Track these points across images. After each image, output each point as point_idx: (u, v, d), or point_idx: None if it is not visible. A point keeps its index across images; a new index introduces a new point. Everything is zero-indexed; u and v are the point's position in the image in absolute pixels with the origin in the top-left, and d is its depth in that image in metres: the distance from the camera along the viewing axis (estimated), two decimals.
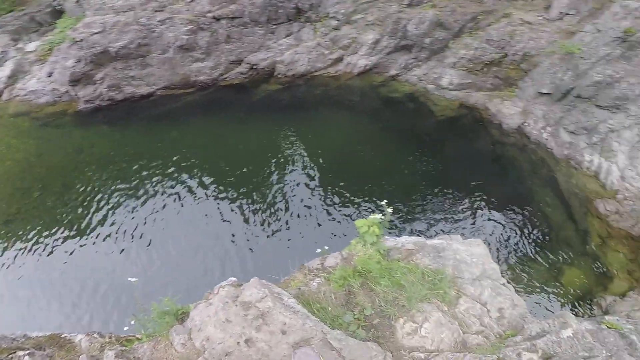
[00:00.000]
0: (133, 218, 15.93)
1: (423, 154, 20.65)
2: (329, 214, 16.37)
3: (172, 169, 17.87)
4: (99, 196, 16.99)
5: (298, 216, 16.18)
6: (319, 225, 15.95)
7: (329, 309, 4.47)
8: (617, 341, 4.91)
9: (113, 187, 17.31)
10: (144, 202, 16.59)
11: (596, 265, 16.47)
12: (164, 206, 16.37)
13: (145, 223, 15.68)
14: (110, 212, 16.27)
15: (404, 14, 23.41)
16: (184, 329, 3.80)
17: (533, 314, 14.47)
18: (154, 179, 17.56)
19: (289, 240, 15.17)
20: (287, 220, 15.90)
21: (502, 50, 23.28)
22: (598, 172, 20.90)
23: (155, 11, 21.57)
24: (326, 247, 5.94)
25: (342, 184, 17.72)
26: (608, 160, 20.93)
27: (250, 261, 14.31)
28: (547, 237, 17.45)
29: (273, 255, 14.50)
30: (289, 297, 4.11)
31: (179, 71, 22.52)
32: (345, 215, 16.39)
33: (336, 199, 17.00)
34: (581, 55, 20.52)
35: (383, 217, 5.65)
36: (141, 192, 17.08)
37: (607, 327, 5.61)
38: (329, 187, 17.54)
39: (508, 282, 5.10)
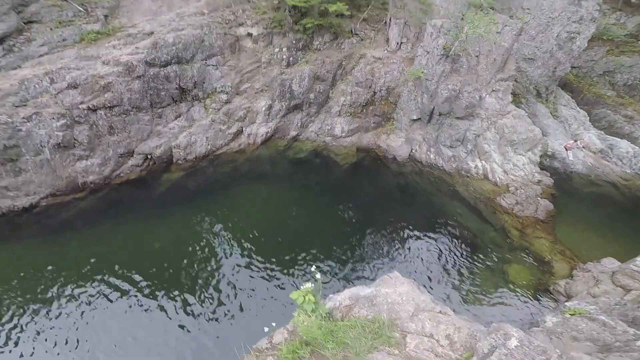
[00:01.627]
0: (56, 338, 13.29)
1: (340, 204, 21.13)
2: (268, 289, 15.45)
3: (85, 281, 15.66)
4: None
5: (236, 297, 15.00)
6: (264, 300, 14.89)
7: None
8: (589, 325, 5.10)
9: (24, 312, 14.27)
10: (60, 320, 14.01)
11: (529, 255, 17.80)
12: (86, 318, 14.02)
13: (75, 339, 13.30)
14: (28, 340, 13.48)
15: (286, 75, 24.83)
16: None
17: (504, 320, 14.87)
18: (67, 294, 15.00)
19: (232, 325, 13.85)
20: (226, 306, 14.64)
21: (370, 89, 25.82)
22: (485, 173, 23.57)
23: (17, 106, 18.40)
24: (273, 324, 5.76)
25: (274, 255, 17.06)
26: (487, 161, 23.81)
27: (192, 355, 12.96)
28: (474, 245, 18.54)
29: (218, 344, 13.03)
30: None
31: (62, 174, 19.20)
32: (284, 285, 15.65)
33: (271, 272, 16.19)
34: (426, 78, 23.57)
35: (315, 283, 5.72)
36: (55, 311, 14.35)
37: (571, 314, 5.92)
38: (262, 262, 16.67)
39: (442, 311, 5.31)
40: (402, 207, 21.49)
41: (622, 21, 30.80)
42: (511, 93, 24.03)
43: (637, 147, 23.01)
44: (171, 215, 19.58)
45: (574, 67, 27.38)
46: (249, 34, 24.74)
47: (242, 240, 18.02)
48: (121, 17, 23.41)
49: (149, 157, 22.01)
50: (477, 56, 23.20)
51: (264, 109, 24.90)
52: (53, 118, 18.67)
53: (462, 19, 22.86)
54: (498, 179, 23.09)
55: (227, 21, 24.40)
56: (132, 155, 21.64)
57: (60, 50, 20.73)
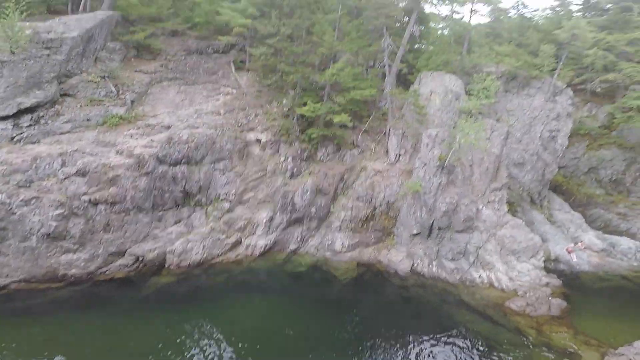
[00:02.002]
0: None
1: (340, 318, 20.04)
2: None
3: None
4: None
5: None
6: None
7: None
8: None
9: None
10: None
11: (551, 350, 16.63)
12: None
13: None
14: None
15: (289, 187, 26.15)
16: None
17: None
18: None
19: None
20: None
21: (371, 203, 27.03)
22: (491, 282, 22.95)
23: (20, 187, 17.69)
24: None
25: None
26: (491, 271, 23.36)
27: None
28: (490, 347, 17.22)
29: None
30: None
31: (44, 263, 18.25)
32: None
33: None
34: (424, 191, 24.90)
35: None
36: None
37: None
38: None
39: None
40: (406, 319, 20.31)
41: (594, 112, 34.21)
42: (506, 202, 25.22)
43: (638, 242, 22.83)
44: (155, 317, 18.31)
45: (561, 167, 29.47)
46: (258, 140, 26.81)
47: (232, 351, 16.63)
48: (146, 104, 25.15)
49: (140, 259, 21.57)
50: (470, 165, 25.23)
51: (264, 220, 25.58)
52: (52, 206, 18.18)
53: (455, 127, 25.50)
54: (504, 286, 22.23)
55: (239, 124, 26.53)
56: (123, 256, 21.18)
57: (82, 130, 21.48)
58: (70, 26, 24.29)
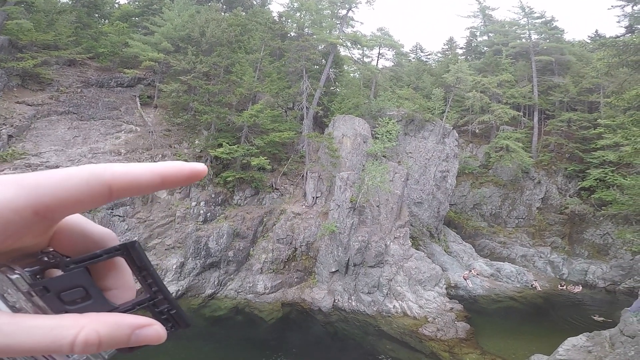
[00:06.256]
0: None
1: (269, 358, 21.27)
2: None
3: None
4: None
5: None
6: None
7: None
8: None
9: None
10: None
11: None
12: None
13: None
14: None
15: (202, 231, 26.69)
16: None
17: None
18: None
19: None
20: None
21: (291, 245, 29.47)
22: (404, 311, 26.91)
23: None
24: None
25: None
26: (403, 300, 27.47)
27: None
28: None
29: None
30: None
31: None
32: None
33: None
34: (339, 232, 28.20)
35: None
36: None
37: None
38: None
39: None
40: (333, 353, 22.74)
41: (474, 153, 40.91)
42: (410, 237, 29.58)
43: (517, 266, 29.14)
44: None
45: (452, 204, 35.23)
46: None
47: None
48: (28, 141, 23.18)
49: None
50: (377, 206, 29.21)
51: (175, 267, 25.71)
52: None
53: (363, 170, 29.02)
54: (416, 313, 26.20)
55: None
56: None
57: None
58: None
